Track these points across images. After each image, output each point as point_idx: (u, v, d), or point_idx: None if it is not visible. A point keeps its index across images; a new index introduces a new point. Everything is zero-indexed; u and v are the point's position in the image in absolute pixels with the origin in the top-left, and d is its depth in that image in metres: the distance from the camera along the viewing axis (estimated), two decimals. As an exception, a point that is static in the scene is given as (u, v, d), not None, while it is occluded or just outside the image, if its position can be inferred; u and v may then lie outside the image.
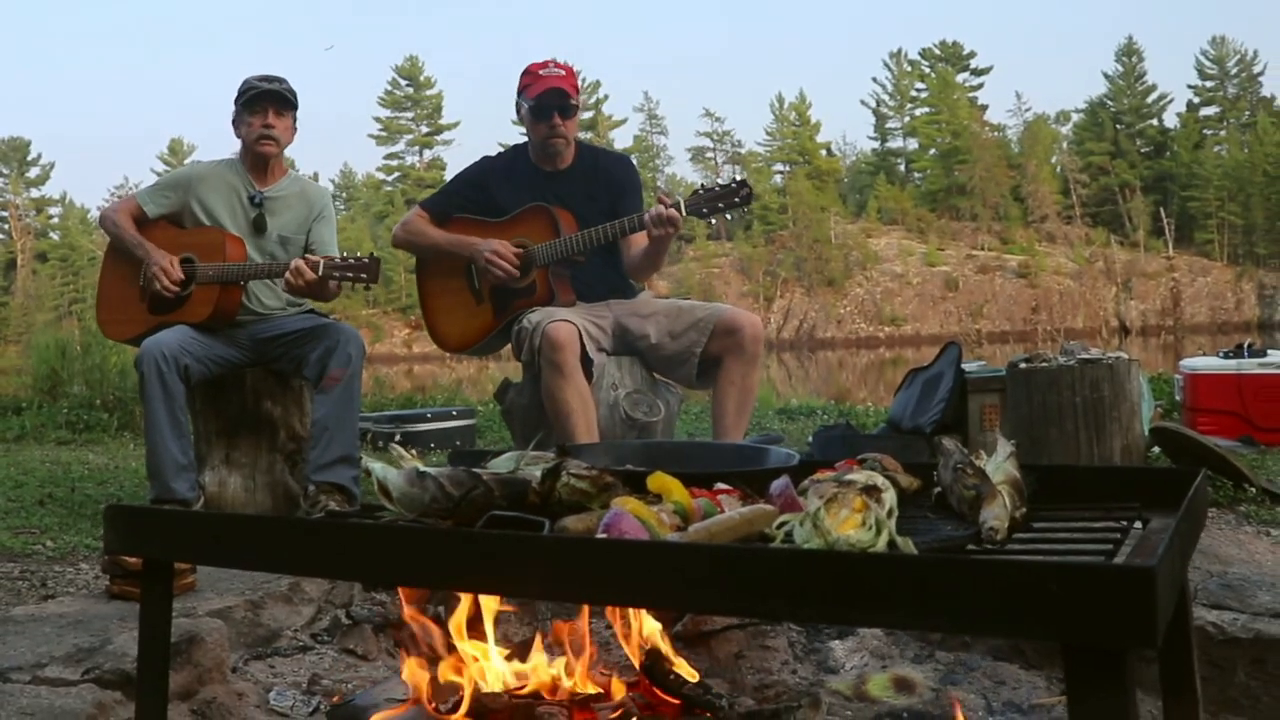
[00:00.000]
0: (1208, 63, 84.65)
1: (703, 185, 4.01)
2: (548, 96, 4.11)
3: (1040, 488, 1.61)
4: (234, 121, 4.36)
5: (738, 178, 4.05)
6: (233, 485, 4.37)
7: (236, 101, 4.32)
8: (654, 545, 1.20)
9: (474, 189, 4.29)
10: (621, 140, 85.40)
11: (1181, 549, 1.26)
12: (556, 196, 4.15)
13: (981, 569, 1.03)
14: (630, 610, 1.94)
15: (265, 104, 4.28)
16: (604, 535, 1.24)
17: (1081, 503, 1.61)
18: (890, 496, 1.29)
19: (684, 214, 3.88)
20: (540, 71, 4.16)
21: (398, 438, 6.59)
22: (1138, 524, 1.49)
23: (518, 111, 4.27)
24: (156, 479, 4.00)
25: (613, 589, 1.16)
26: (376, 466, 1.51)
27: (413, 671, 1.86)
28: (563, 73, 4.18)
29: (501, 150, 4.49)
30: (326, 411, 4.04)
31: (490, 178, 4.28)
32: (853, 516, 1.21)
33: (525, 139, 4.30)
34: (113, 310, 4.43)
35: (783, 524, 1.24)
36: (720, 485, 1.46)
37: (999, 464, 1.53)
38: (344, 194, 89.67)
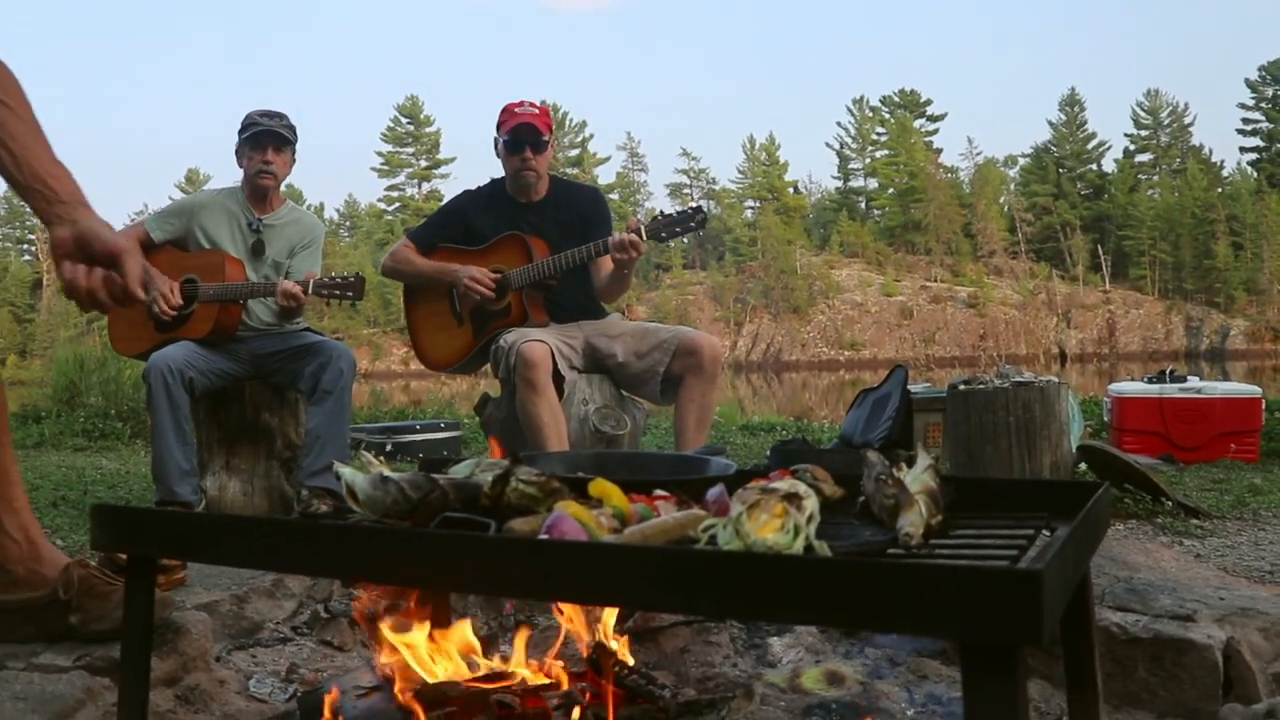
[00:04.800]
0: (1143, 113, 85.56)
1: (661, 212, 4.05)
2: (520, 132, 4.13)
3: (959, 498, 1.61)
4: (237, 153, 4.37)
5: (693, 205, 4.10)
6: (232, 489, 4.35)
7: (240, 135, 4.33)
8: (590, 545, 1.20)
9: (456, 220, 4.31)
10: (605, 176, 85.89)
11: (1076, 554, 1.27)
12: (531, 226, 4.17)
13: (886, 571, 1.03)
14: (581, 607, 1.94)
15: (266, 141, 4.29)
16: (545, 536, 1.25)
17: (996, 512, 1.61)
18: (811, 503, 1.29)
19: (644, 239, 3.91)
20: (516, 109, 4.19)
21: (388, 447, 6.57)
22: (1046, 532, 1.50)
23: (495, 147, 4.29)
24: (161, 483, 3.99)
25: (551, 585, 1.16)
26: (346, 471, 1.51)
27: (379, 661, 1.86)
28: (536, 111, 4.20)
29: (481, 185, 4.50)
30: (319, 422, 4.05)
31: (470, 209, 4.30)
32: (772, 521, 1.21)
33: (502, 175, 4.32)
34: (123, 328, 4.42)
35: (708, 527, 1.25)
36: (659, 492, 1.46)
37: (917, 475, 1.54)
38: (348, 222, 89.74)
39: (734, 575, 1.05)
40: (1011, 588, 0.97)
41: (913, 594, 0.99)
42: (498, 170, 4.31)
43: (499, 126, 4.22)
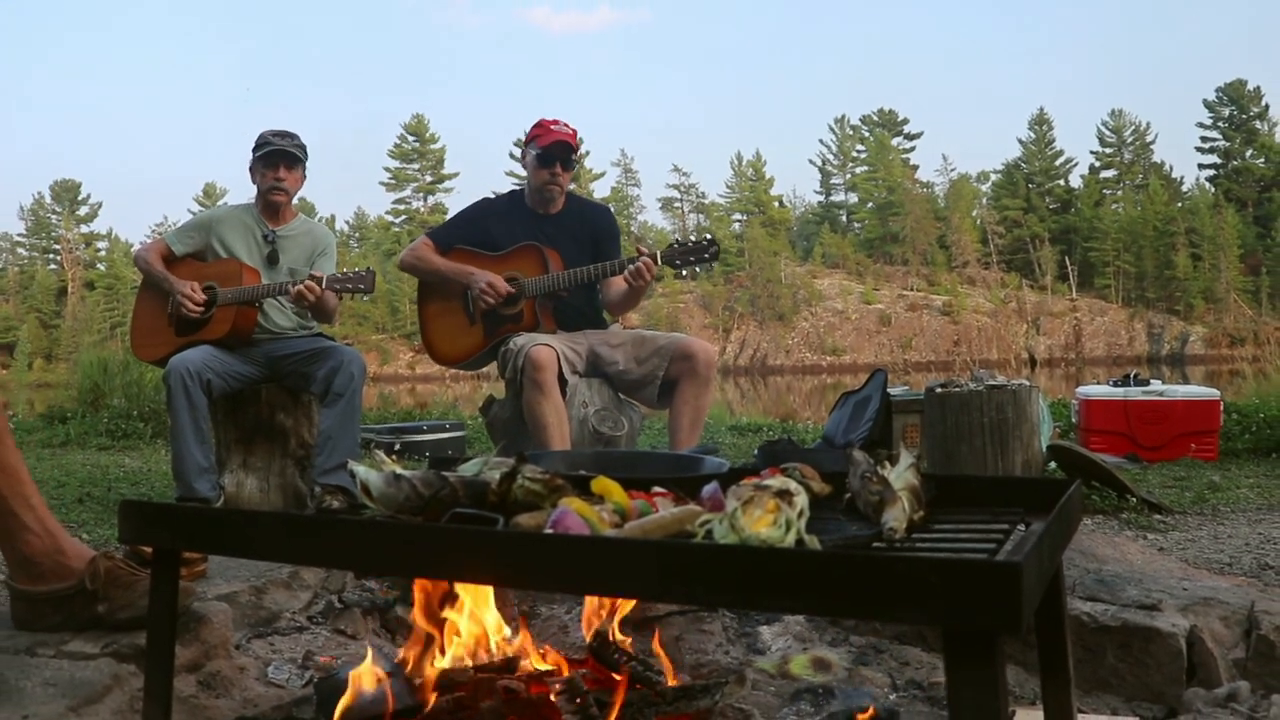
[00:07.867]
0: (1108, 132, 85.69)
1: (677, 240, 4.08)
2: (554, 148, 4.14)
3: (939, 494, 1.61)
4: (250, 170, 4.38)
5: (708, 236, 4.12)
6: (249, 486, 4.35)
7: (254, 153, 4.34)
8: (593, 539, 1.21)
9: (474, 225, 4.31)
10: (600, 190, 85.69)
11: (1051, 548, 1.27)
12: (547, 237, 4.17)
13: (873, 563, 1.03)
14: (584, 599, 1.94)
15: (277, 160, 4.30)
16: (550, 530, 1.25)
17: (974, 508, 1.61)
18: (801, 500, 1.29)
19: (659, 265, 3.94)
20: (551, 126, 4.20)
21: (396, 446, 6.56)
22: (1021, 526, 1.50)
23: (523, 157, 4.30)
24: (181, 480, 3.99)
25: (556, 577, 1.16)
26: (360, 469, 1.51)
27: (392, 648, 1.85)
28: (570, 131, 4.21)
29: (500, 194, 4.51)
30: (331, 423, 4.05)
31: (489, 216, 4.31)
32: (765, 516, 1.21)
33: (519, 186, 4.33)
34: (144, 336, 4.42)
35: (705, 522, 1.25)
36: (657, 489, 1.46)
37: (900, 473, 1.54)
38: (357, 233, 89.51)
39: (730, 567, 1.05)
40: (992, 578, 0.97)
41: (899, 584, 1.00)
42: (498, 185, 4.34)
43: (532, 139, 4.22)
